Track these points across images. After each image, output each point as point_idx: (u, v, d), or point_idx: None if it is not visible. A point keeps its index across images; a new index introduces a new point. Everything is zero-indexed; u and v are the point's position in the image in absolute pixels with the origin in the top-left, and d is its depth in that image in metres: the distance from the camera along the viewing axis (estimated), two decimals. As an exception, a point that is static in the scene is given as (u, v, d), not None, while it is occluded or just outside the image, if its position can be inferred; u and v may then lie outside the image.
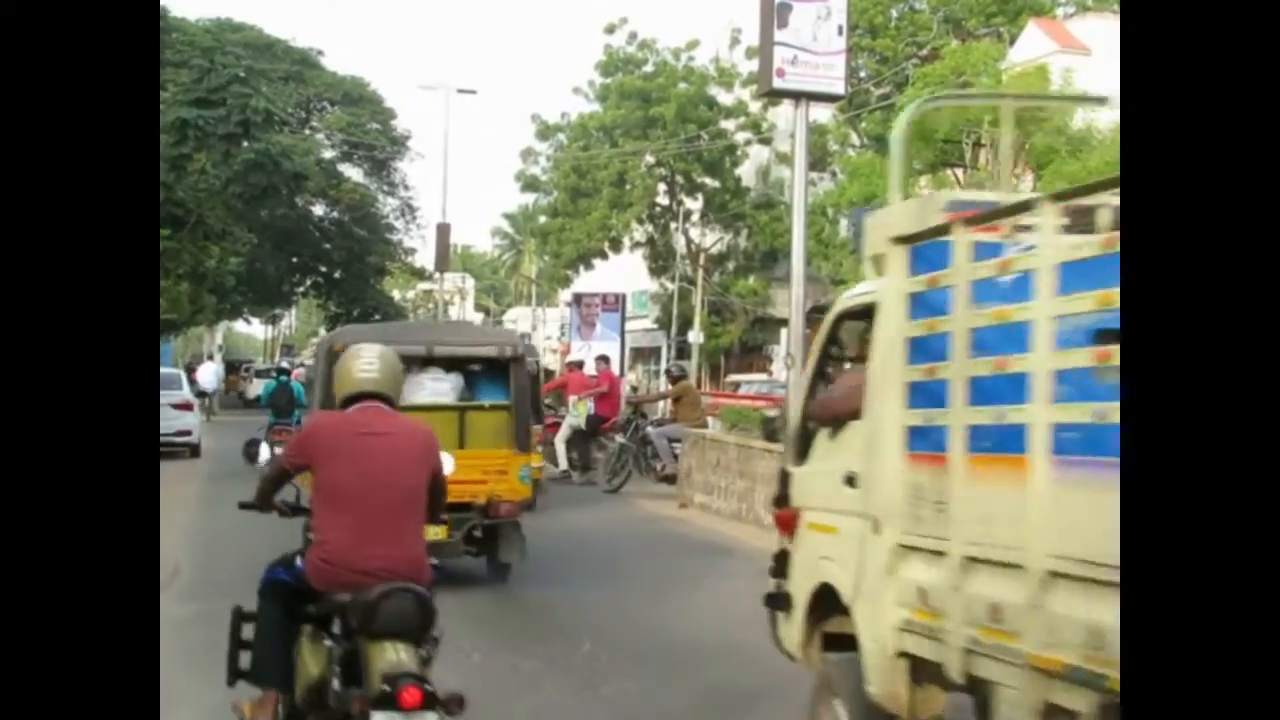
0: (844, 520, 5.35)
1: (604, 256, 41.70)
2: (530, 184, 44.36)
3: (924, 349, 4.78)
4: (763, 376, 33.28)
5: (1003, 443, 4.29)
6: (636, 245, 41.69)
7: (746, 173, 40.45)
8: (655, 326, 44.91)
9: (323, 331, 52.23)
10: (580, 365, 21.77)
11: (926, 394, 4.74)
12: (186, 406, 22.62)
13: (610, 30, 40.76)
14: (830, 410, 5.71)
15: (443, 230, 45.38)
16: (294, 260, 45.26)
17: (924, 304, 4.82)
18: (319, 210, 45.25)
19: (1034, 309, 4.12)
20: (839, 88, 19.14)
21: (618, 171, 39.45)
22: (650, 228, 41.48)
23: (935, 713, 4.84)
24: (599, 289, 39.22)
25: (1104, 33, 27.49)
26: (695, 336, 38.02)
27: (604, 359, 21.47)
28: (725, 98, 39.51)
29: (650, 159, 39.37)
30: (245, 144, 37.12)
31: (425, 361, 10.60)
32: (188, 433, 21.64)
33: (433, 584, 5.00)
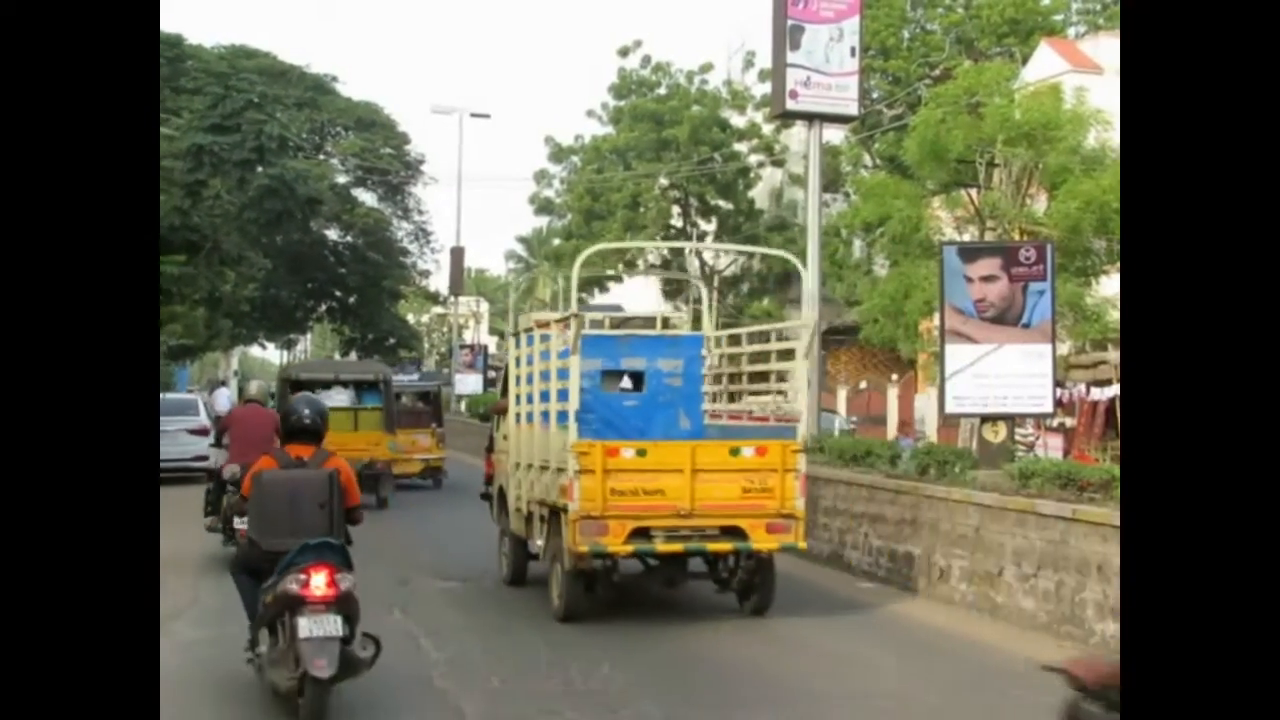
0: (504, 456, 12.29)
1: (618, 279, 41.69)
2: (544, 206, 44.40)
3: (518, 381, 11.77)
4: (776, 398, 32.96)
5: (530, 418, 11.28)
6: (651, 268, 41.71)
7: (760, 195, 40.45)
8: (670, 349, 44.71)
9: (336, 355, 52.79)
10: None
11: (519, 400, 11.66)
12: (203, 432, 22.70)
13: (624, 53, 40.89)
14: (501, 408, 12.62)
15: (457, 254, 45.45)
16: (309, 285, 45.26)
17: (519, 362, 11.83)
18: (333, 235, 45.32)
19: (534, 367, 11.29)
20: (852, 109, 19.19)
21: (631, 194, 39.47)
22: (665, 250, 41.47)
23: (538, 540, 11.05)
24: (613, 312, 39.10)
25: (1116, 52, 27.48)
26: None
27: None
28: (738, 120, 39.54)
29: (664, 181, 39.38)
30: (260, 169, 37.29)
31: (333, 383, 21.19)
32: (204, 458, 21.68)
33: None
